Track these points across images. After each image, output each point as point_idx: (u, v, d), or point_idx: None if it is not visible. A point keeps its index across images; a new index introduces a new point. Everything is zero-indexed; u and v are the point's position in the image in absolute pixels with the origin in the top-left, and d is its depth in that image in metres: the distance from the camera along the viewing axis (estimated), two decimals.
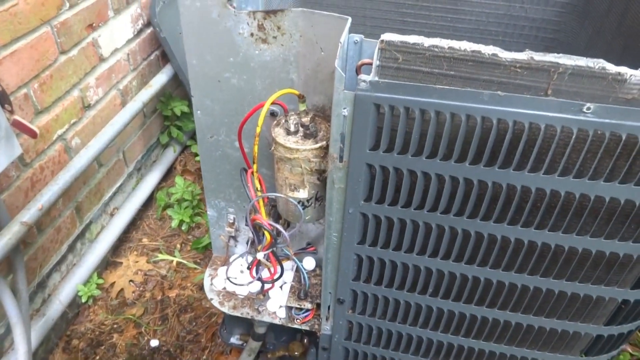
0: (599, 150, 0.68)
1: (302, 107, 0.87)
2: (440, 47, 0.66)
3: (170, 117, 2.35)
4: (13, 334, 1.35)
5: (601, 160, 0.70)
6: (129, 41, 1.97)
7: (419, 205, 0.81)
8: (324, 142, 0.83)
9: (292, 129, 0.85)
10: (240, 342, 1.44)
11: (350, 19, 0.77)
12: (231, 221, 1.16)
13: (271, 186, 1.00)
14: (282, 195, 0.88)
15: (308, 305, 1.09)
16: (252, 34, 0.85)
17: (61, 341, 1.81)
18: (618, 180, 0.71)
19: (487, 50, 0.65)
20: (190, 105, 2.25)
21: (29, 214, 1.38)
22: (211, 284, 1.20)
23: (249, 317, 1.16)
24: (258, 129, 0.79)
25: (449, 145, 0.73)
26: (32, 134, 1.23)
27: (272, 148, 0.87)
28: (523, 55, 0.65)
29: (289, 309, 1.13)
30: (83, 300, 1.79)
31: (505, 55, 0.65)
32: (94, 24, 1.73)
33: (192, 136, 2.53)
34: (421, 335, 1.03)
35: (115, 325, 1.89)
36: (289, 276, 1.16)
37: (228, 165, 1.07)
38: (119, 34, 1.90)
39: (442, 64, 0.68)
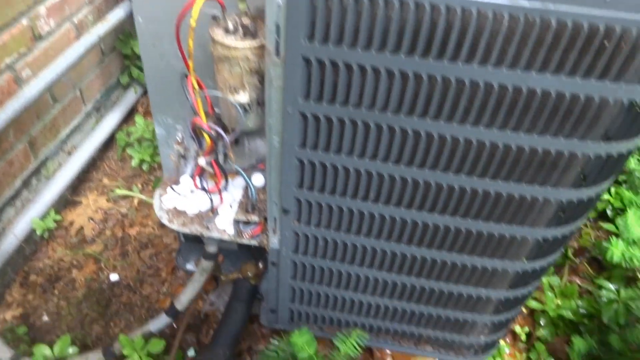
0: (530, 39, 0.69)
1: (242, 6, 0.85)
2: None
3: (130, 56, 2.28)
4: None
5: (534, 50, 0.71)
6: None
7: (357, 102, 0.81)
8: (264, 40, 0.82)
9: (231, 28, 0.83)
10: (195, 269, 1.45)
11: None
12: (179, 139, 1.15)
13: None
14: (221, 94, 0.87)
15: (255, 218, 1.10)
16: None
17: (18, 276, 1.80)
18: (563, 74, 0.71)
19: None
20: None
21: None
22: (161, 203, 1.20)
23: (198, 233, 1.16)
24: (192, 21, 0.77)
25: (383, 35, 0.72)
26: None
27: (211, 48, 0.85)
28: None
29: (237, 224, 1.14)
30: (38, 233, 1.77)
31: None
32: None
33: None
34: (365, 244, 1.05)
35: (74, 262, 1.88)
36: (238, 194, 1.16)
37: (173, 77, 1.05)
38: None
39: None
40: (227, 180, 1.00)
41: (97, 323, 1.70)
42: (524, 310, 1.73)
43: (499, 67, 0.72)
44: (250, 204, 1.10)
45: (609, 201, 1.92)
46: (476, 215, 0.93)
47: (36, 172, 1.83)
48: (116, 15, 2.05)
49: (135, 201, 2.07)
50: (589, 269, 1.93)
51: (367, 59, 0.75)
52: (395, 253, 1.05)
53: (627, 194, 1.30)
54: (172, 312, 1.34)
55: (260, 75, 0.87)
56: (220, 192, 1.09)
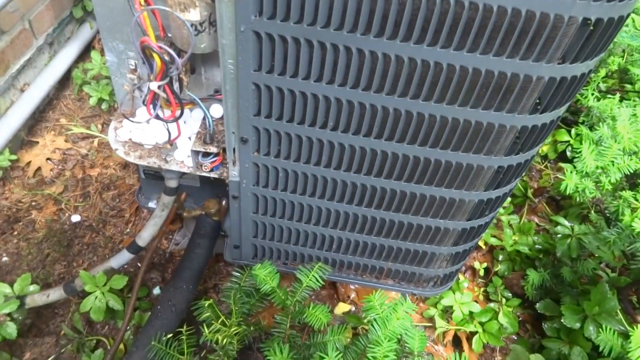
0: None
1: None
2: None
3: None
4: None
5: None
6: None
7: (311, 20, 0.77)
8: None
9: None
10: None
11: None
12: (132, 67, 1.09)
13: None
14: (169, 9, 0.82)
15: (214, 149, 1.07)
16: None
17: None
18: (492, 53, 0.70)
19: None
20: None
21: None
22: (116, 136, 1.16)
23: (155, 166, 1.13)
24: None
25: None
26: None
27: None
28: None
29: (195, 156, 1.11)
30: None
31: None
32: None
33: None
34: (326, 175, 1.04)
35: (33, 203, 1.83)
36: (196, 126, 1.12)
37: None
38: None
39: None
40: (182, 108, 0.96)
41: (59, 263, 1.68)
42: (483, 247, 1.78)
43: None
44: (208, 134, 1.07)
45: (569, 142, 1.96)
46: (435, 143, 0.93)
47: None
48: None
49: (95, 142, 2.00)
50: (547, 208, 1.99)
51: None
52: (356, 184, 1.05)
53: (585, 130, 1.33)
54: (134, 248, 1.32)
55: None
56: (177, 122, 1.05)
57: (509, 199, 1.86)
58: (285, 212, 1.17)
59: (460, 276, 1.73)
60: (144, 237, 1.30)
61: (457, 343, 1.62)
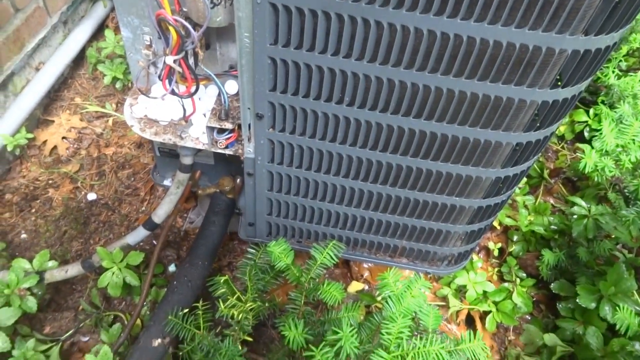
0: None
1: None
2: None
3: None
4: None
5: None
6: None
7: None
8: None
9: None
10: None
11: None
12: (148, 42, 1.09)
13: None
14: None
15: (229, 125, 1.07)
16: None
17: None
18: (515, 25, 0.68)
19: None
20: None
21: None
22: (131, 112, 1.16)
23: (171, 142, 1.13)
24: None
25: None
26: None
27: None
28: None
29: (210, 132, 1.11)
30: (9, 149, 1.72)
31: None
32: None
33: None
34: (341, 152, 1.04)
35: (50, 181, 1.85)
36: (211, 103, 1.12)
37: None
38: None
39: None
40: (197, 83, 0.96)
41: (76, 240, 1.70)
42: (497, 227, 1.77)
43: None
44: (223, 111, 1.07)
45: (586, 122, 1.92)
46: (452, 119, 0.92)
47: (2, 87, 1.75)
48: None
49: (110, 121, 2.01)
50: (563, 189, 1.97)
51: None
52: (371, 161, 1.04)
53: (605, 109, 1.30)
54: (150, 225, 1.34)
55: None
56: (192, 99, 1.05)
57: (524, 179, 1.84)
58: (300, 189, 1.17)
59: (474, 256, 1.72)
60: (160, 214, 1.31)
61: (470, 322, 1.62)
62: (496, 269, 1.71)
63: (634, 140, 1.19)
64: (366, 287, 1.64)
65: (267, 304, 1.20)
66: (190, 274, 1.20)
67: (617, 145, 1.20)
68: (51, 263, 1.45)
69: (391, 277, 1.12)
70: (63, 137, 1.93)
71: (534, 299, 1.69)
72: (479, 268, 1.66)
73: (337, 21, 0.80)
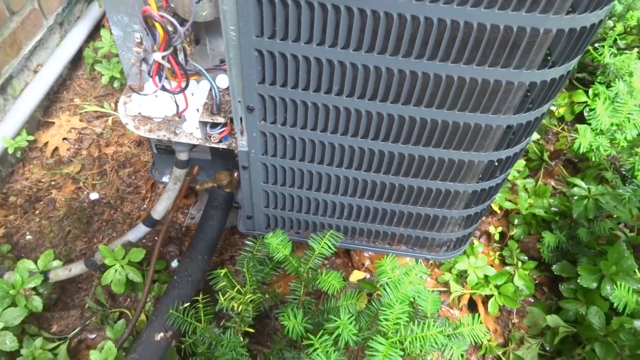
0: None
1: None
2: None
3: None
4: None
5: None
6: None
7: None
8: None
9: None
10: None
11: None
12: (138, 40, 1.09)
13: None
14: None
15: (221, 119, 1.07)
16: None
17: None
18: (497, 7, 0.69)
19: None
20: None
21: None
22: (125, 110, 1.17)
23: (165, 139, 1.14)
24: None
25: None
26: None
27: None
28: None
29: (204, 127, 1.12)
30: (10, 152, 1.74)
31: None
32: None
33: None
34: (333, 141, 1.04)
35: (52, 182, 1.87)
36: (204, 97, 1.13)
37: None
38: None
39: None
40: (187, 78, 0.96)
41: (80, 239, 1.72)
42: (498, 211, 1.77)
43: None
44: (215, 105, 1.08)
45: (586, 103, 1.91)
46: (441, 104, 0.92)
47: (1, 90, 1.77)
48: None
49: (110, 120, 2.03)
50: (564, 171, 1.96)
51: None
52: (363, 149, 1.05)
53: (602, 88, 1.29)
54: (150, 221, 1.35)
55: None
56: (184, 94, 1.06)
57: (523, 162, 1.83)
58: (295, 180, 1.17)
59: (475, 241, 1.73)
60: (159, 211, 1.33)
61: (472, 307, 1.63)
62: (497, 253, 1.72)
63: (628, 118, 1.18)
64: (368, 276, 1.65)
65: (267, 296, 1.22)
66: (191, 268, 1.21)
67: (612, 124, 1.19)
68: (55, 263, 1.47)
69: (388, 264, 1.12)
70: (64, 138, 1.95)
71: (537, 281, 1.69)
72: (480, 253, 1.66)
73: (320, 11, 0.80)
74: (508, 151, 1.04)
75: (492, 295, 1.58)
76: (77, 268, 1.41)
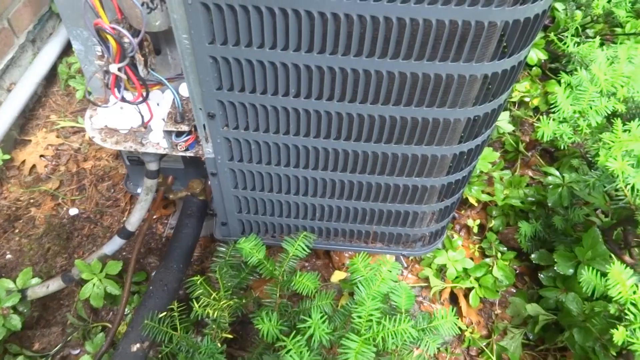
0: None
1: None
2: None
3: None
4: None
5: None
6: None
7: None
8: None
9: None
10: None
11: None
12: (99, 53, 1.10)
13: None
14: None
15: (185, 127, 1.08)
16: None
17: None
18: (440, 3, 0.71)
19: None
20: None
21: None
22: (91, 123, 1.17)
23: (132, 150, 1.15)
24: None
25: None
26: None
27: None
28: None
29: (169, 136, 1.12)
30: None
31: None
32: None
33: None
34: (297, 143, 1.05)
35: (31, 200, 1.87)
36: (169, 106, 1.13)
37: None
38: None
39: None
40: (147, 89, 0.97)
41: (60, 256, 1.72)
42: (475, 204, 1.78)
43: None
44: (178, 113, 1.08)
45: None
46: (397, 101, 0.93)
47: None
48: None
49: (86, 135, 2.03)
50: (541, 161, 1.98)
51: None
52: (327, 150, 1.06)
53: (566, 76, 1.31)
54: (124, 233, 1.35)
55: None
56: (148, 104, 1.06)
57: (497, 154, 1.84)
58: (265, 184, 1.18)
59: (455, 235, 1.74)
60: (133, 222, 1.33)
61: (454, 300, 1.64)
62: (477, 246, 1.73)
63: (590, 105, 1.20)
64: (348, 275, 1.65)
65: (244, 300, 1.22)
66: (166, 278, 1.22)
67: (575, 112, 1.21)
68: (34, 280, 1.47)
69: (361, 262, 1.13)
70: (41, 156, 1.95)
71: (517, 271, 1.70)
72: (459, 246, 1.67)
73: (269, 15, 0.81)
74: (469, 144, 1.05)
75: (472, 288, 1.59)
76: (55, 284, 1.40)
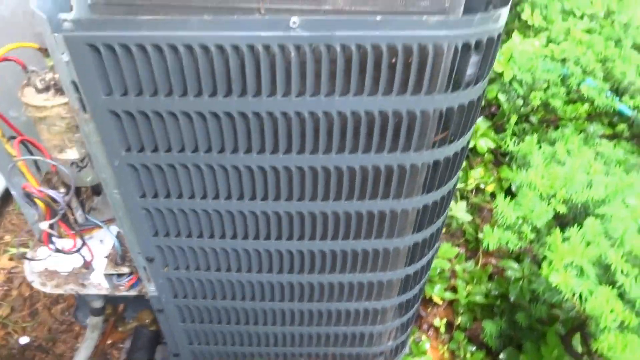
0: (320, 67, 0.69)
1: (49, 63, 0.81)
2: None
3: None
4: None
5: (329, 75, 0.71)
6: None
7: (179, 147, 0.79)
8: None
9: (41, 86, 0.79)
10: None
11: None
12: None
13: None
14: (40, 158, 0.83)
15: (125, 270, 1.06)
16: None
17: None
18: (352, 94, 0.72)
19: None
20: None
21: None
22: (31, 267, 1.14)
23: (73, 292, 1.11)
24: None
25: (182, 79, 0.71)
26: None
27: (23, 110, 0.81)
28: None
29: (110, 277, 1.09)
30: None
31: None
32: None
33: None
34: (240, 279, 1.03)
35: None
36: (110, 244, 1.12)
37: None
38: None
39: None
40: (82, 237, 0.96)
41: None
42: (439, 303, 1.76)
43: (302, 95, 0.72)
44: (118, 256, 1.06)
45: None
46: (337, 196, 0.88)
47: None
48: None
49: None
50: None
51: (172, 105, 0.73)
52: (272, 283, 1.04)
53: (511, 173, 1.34)
54: None
55: None
56: (88, 246, 1.04)
57: (455, 249, 1.84)
58: (213, 317, 1.15)
59: (423, 335, 1.70)
60: None
61: None
62: (446, 346, 1.68)
63: (532, 210, 1.22)
64: None
65: None
66: None
67: (518, 218, 1.24)
68: None
69: None
70: None
71: None
72: (426, 350, 1.62)
73: (196, 170, 0.82)
74: (422, 233, 1.00)
75: None
76: None
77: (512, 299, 1.59)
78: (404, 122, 0.77)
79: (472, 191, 2.16)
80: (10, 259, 1.94)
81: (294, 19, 0.65)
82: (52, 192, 0.85)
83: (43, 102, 0.78)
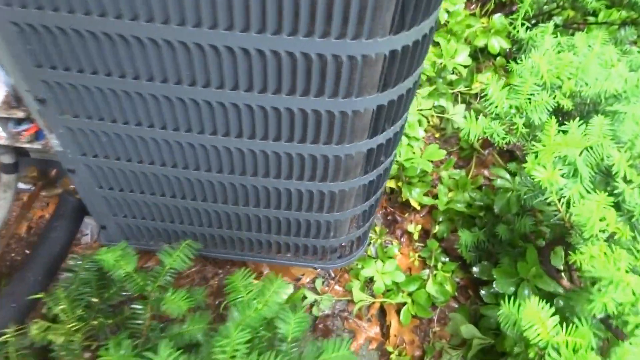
0: None
1: None
2: None
3: None
4: None
5: None
6: None
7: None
8: None
9: None
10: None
11: None
12: None
13: None
14: None
15: (21, 114, 0.88)
16: None
17: None
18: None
19: None
20: None
21: None
22: None
23: None
24: None
25: None
26: None
27: None
28: None
29: (5, 123, 0.92)
30: None
31: None
32: None
33: None
34: (153, 136, 0.85)
35: None
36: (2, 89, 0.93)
37: None
38: None
39: None
40: None
41: None
42: (418, 208, 1.59)
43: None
44: (12, 96, 0.88)
45: None
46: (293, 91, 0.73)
47: None
48: None
49: None
50: (500, 160, 1.78)
51: None
52: (217, 148, 0.86)
53: (513, 65, 1.11)
54: None
55: None
56: None
57: (443, 152, 1.64)
58: (133, 184, 0.98)
59: (393, 241, 1.55)
60: None
61: (384, 316, 1.45)
62: (417, 254, 1.54)
63: (529, 99, 1.00)
64: None
65: (110, 321, 1.03)
66: (18, 292, 1.02)
67: (511, 107, 1.02)
68: None
69: (240, 279, 0.94)
70: None
71: (460, 284, 1.52)
72: (395, 254, 1.48)
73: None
74: (373, 140, 0.84)
75: (405, 303, 1.41)
76: None
77: (496, 210, 1.41)
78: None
79: (475, 96, 1.92)
80: None
81: None
82: None
83: None
